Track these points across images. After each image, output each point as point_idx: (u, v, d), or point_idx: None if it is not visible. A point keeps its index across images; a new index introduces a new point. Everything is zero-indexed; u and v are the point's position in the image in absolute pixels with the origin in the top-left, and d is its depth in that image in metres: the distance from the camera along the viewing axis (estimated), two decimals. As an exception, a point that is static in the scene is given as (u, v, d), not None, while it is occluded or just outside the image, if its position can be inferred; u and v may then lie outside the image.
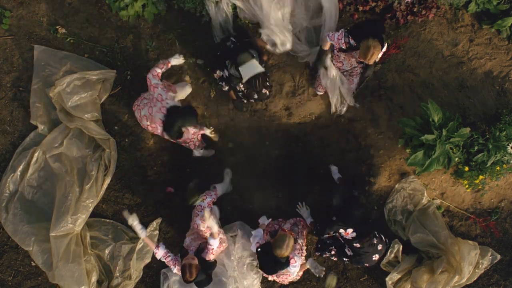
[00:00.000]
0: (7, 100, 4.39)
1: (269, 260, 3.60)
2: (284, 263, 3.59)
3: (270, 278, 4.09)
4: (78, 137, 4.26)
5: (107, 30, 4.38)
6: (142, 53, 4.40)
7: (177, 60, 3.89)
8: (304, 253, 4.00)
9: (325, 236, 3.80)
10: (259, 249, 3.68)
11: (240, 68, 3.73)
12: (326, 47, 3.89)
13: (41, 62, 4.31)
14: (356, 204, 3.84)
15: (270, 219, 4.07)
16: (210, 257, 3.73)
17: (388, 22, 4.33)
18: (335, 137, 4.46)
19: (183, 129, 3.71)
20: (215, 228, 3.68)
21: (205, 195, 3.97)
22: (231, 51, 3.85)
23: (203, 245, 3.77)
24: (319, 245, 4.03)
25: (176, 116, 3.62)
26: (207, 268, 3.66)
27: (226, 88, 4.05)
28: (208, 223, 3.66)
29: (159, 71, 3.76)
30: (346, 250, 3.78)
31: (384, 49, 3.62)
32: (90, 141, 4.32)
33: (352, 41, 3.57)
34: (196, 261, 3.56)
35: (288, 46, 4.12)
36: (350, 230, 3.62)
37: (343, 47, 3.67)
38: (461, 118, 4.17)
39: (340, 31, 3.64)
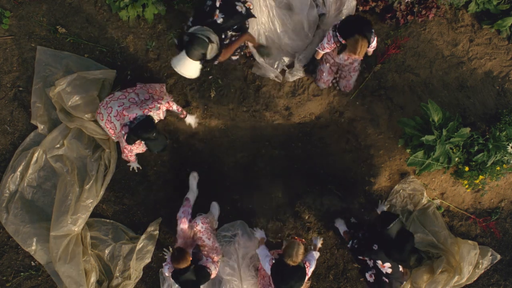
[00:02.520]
0: (7, 100, 4.39)
1: (285, 273, 3.38)
2: (302, 271, 3.40)
3: None
4: (78, 137, 4.26)
5: (107, 30, 4.38)
6: (142, 53, 4.40)
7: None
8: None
9: (357, 256, 3.67)
10: (272, 267, 3.45)
11: (184, 51, 3.27)
12: (318, 57, 4.01)
13: (42, 62, 4.31)
14: (413, 242, 3.30)
15: (263, 233, 4.05)
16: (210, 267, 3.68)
17: (388, 22, 4.33)
18: (335, 137, 4.46)
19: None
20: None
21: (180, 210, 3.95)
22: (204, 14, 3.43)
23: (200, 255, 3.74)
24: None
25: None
26: (202, 275, 3.55)
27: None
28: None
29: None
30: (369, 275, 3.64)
31: (374, 43, 3.62)
32: (90, 141, 4.31)
33: (341, 40, 3.55)
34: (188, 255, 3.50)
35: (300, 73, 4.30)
36: (387, 265, 3.40)
37: (337, 49, 3.67)
38: (461, 118, 4.17)
39: (327, 34, 3.63)
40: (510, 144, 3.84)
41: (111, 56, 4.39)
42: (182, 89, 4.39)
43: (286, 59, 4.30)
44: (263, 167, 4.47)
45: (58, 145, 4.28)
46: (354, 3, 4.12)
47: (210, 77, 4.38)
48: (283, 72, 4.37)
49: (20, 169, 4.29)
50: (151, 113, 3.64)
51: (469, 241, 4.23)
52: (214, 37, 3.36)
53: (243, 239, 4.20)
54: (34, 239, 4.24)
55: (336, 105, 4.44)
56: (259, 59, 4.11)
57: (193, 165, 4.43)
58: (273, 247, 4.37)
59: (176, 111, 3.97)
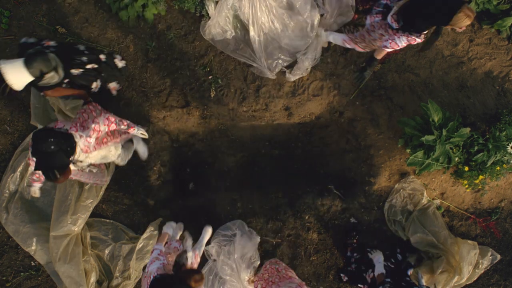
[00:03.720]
0: (7, 100, 4.39)
1: None
2: None
3: None
4: (78, 137, 4.26)
5: (107, 30, 4.38)
6: (142, 53, 4.39)
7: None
8: None
9: None
10: None
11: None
12: (380, 56, 3.62)
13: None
14: None
15: None
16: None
17: (388, 22, 4.33)
18: (335, 137, 4.46)
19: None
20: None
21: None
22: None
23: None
24: None
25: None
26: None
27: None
28: None
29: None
30: None
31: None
32: (90, 141, 4.31)
33: (420, 33, 3.15)
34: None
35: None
36: None
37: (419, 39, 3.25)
38: (461, 118, 4.18)
39: (399, 37, 3.22)
40: (510, 144, 3.84)
41: (111, 56, 4.39)
42: (182, 89, 4.39)
43: (286, 59, 4.30)
44: (263, 167, 4.47)
45: (58, 145, 4.28)
46: (352, 2, 4.13)
47: (210, 77, 4.38)
48: (283, 72, 4.37)
49: (20, 169, 4.29)
50: (75, 134, 3.10)
51: (469, 241, 4.23)
52: (61, 71, 3.17)
53: (242, 240, 4.20)
54: (34, 239, 4.24)
55: (336, 105, 4.44)
56: None
57: (193, 165, 4.43)
58: (273, 247, 4.37)
59: (124, 127, 3.48)
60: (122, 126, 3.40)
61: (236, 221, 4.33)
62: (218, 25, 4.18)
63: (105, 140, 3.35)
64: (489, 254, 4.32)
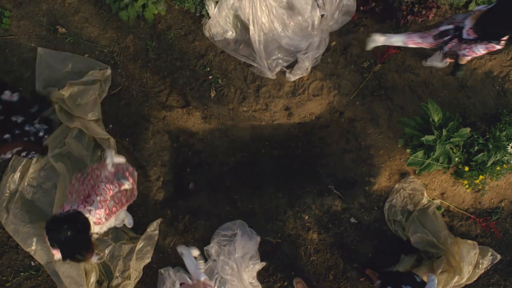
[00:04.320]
0: (7, 100, 4.39)
1: None
2: None
3: None
4: (78, 137, 4.26)
5: (107, 30, 4.38)
6: (142, 53, 4.40)
7: None
8: None
9: None
10: None
11: None
12: (464, 61, 3.95)
13: (44, 63, 4.30)
14: None
15: None
16: None
17: (388, 22, 4.33)
18: (335, 137, 4.46)
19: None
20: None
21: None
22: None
23: None
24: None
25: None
26: None
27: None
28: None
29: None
30: None
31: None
32: (90, 141, 4.31)
33: (499, 40, 3.20)
34: None
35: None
36: None
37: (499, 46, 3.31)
38: (461, 118, 4.17)
39: (477, 46, 3.31)
40: (510, 144, 3.84)
41: (111, 56, 4.39)
42: (182, 89, 4.39)
43: (286, 59, 4.30)
44: (263, 167, 4.47)
45: (59, 145, 4.28)
46: (353, 2, 4.14)
47: (210, 77, 4.38)
48: (283, 72, 4.37)
49: (20, 168, 4.29)
50: (84, 210, 3.08)
51: (469, 241, 4.23)
52: None
53: (242, 240, 4.20)
54: (34, 239, 4.24)
55: (336, 105, 4.44)
56: None
57: (193, 165, 4.43)
58: (273, 247, 4.38)
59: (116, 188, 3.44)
60: (116, 188, 3.42)
61: (236, 221, 4.33)
62: (219, 24, 4.19)
63: (114, 209, 3.44)
64: (489, 254, 4.32)
